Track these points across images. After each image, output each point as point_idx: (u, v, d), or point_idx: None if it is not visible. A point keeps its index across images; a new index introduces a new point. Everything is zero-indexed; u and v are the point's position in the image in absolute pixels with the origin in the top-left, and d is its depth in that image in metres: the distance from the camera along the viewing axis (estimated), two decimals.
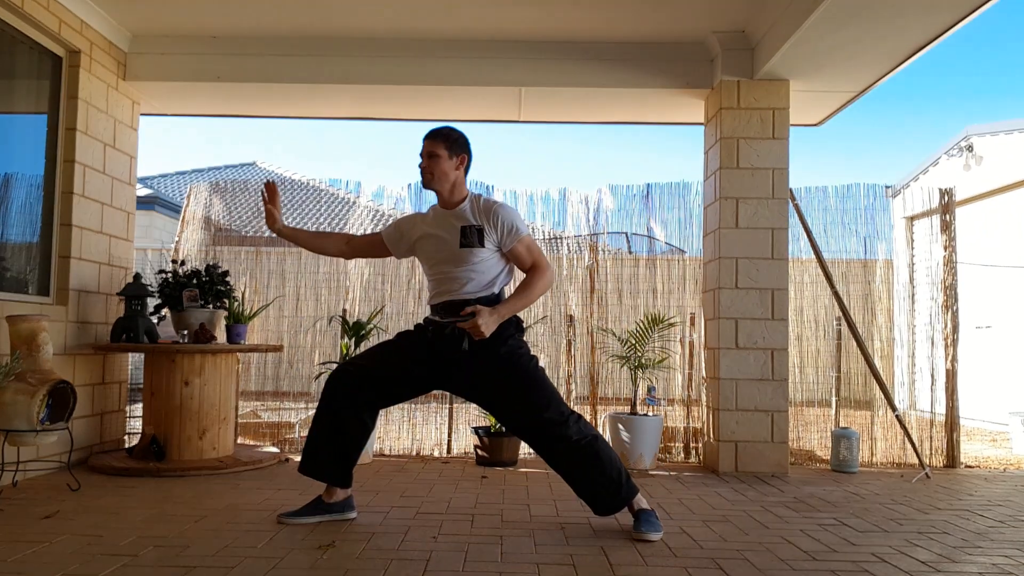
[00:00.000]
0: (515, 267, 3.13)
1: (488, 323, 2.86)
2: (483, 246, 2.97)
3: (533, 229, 6.36)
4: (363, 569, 2.48)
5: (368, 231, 5.92)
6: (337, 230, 6.07)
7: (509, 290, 3.13)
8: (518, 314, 3.03)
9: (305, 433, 5.35)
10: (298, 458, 4.75)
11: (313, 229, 12.68)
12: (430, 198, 5.69)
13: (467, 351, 2.92)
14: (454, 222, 3.01)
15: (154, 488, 3.73)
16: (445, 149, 3.00)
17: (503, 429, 4.74)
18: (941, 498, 3.85)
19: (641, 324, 4.91)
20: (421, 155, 3.04)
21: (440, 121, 5.66)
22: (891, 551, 2.80)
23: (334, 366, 4.84)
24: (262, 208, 3.25)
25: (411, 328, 3.20)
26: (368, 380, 3.04)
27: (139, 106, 5.02)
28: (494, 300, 3.01)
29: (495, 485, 4.01)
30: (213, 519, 3.11)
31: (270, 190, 3.21)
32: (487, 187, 5.63)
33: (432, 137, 3.03)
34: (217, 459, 4.36)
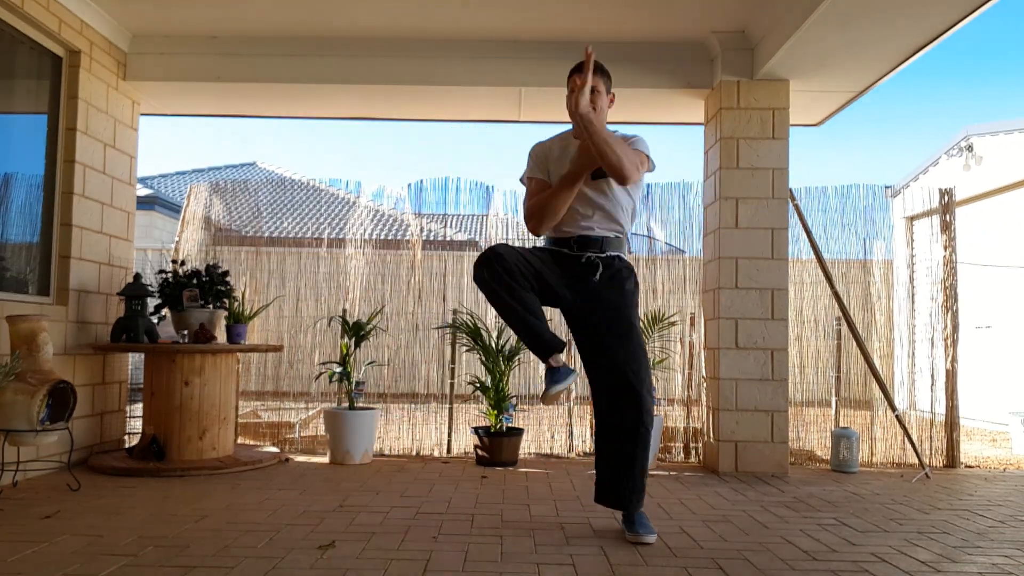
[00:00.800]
0: (636, 210, 3.16)
1: (591, 112, 2.84)
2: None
3: None
4: (363, 569, 2.48)
5: (368, 231, 5.91)
6: (338, 230, 6.07)
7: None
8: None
9: (305, 433, 5.35)
10: (298, 458, 4.76)
11: (313, 230, 12.69)
12: (429, 199, 5.71)
13: (598, 281, 2.94)
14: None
15: (154, 488, 3.73)
16: (604, 85, 3.00)
17: (504, 429, 4.74)
18: (941, 498, 3.85)
19: (640, 322, 4.90)
20: (575, 88, 2.86)
21: (440, 121, 5.70)
22: (891, 551, 2.80)
23: (335, 367, 4.85)
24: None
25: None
26: (527, 264, 2.88)
27: (139, 106, 5.02)
28: (620, 244, 3.03)
29: (495, 485, 4.01)
30: (213, 519, 3.11)
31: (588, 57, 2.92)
32: (487, 187, 5.64)
33: (595, 71, 2.93)
34: (217, 459, 4.36)
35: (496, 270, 2.79)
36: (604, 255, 2.99)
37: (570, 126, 3.10)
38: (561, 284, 2.98)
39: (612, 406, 2.95)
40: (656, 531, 2.96)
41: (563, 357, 2.95)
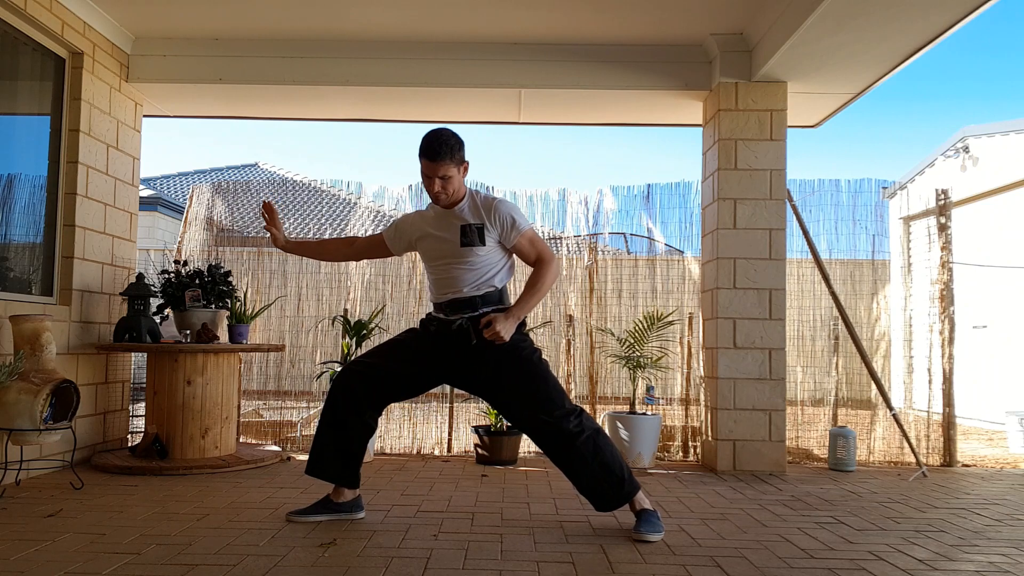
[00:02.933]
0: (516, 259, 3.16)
1: (507, 327, 2.90)
2: (483, 244, 2.98)
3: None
4: (364, 567, 2.50)
5: (369, 232, 5.94)
6: (339, 231, 6.10)
7: (510, 283, 3.19)
8: None
9: (307, 432, 5.38)
10: (300, 457, 4.79)
11: (315, 230, 12.71)
12: (427, 198, 5.73)
13: (475, 345, 2.97)
14: (454, 221, 3.01)
15: (157, 487, 3.76)
16: (455, 166, 2.91)
17: (503, 428, 4.76)
18: (938, 497, 3.87)
19: (640, 324, 4.94)
20: (430, 177, 2.91)
21: (440, 122, 5.72)
22: (888, 549, 2.83)
23: (336, 366, 4.88)
24: (263, 215, 3.25)
25: (414, 327, 3.23)
26: (373, 380, 3.06)
27: (142, 107, 5.04)
28: (497, 296, 3.04)
29: (495, 483, 4.03)
30: (215, 517, 3.14)
31: (268, 210, 3.23)
32: (487, 187, 5.66)
33: (439, 158, 2.87)
34: (219, 458, 4.39)
35: (336, 389, 3.07)
36: (476, 314, 2.99)
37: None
38: (433, 365, 3.08)
39: (539, 437, 3.01)
40: (664, 530, 2.98)
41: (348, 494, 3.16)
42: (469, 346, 2.98)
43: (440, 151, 2.87)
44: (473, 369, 3.04)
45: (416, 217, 3.21)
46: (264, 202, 3.23)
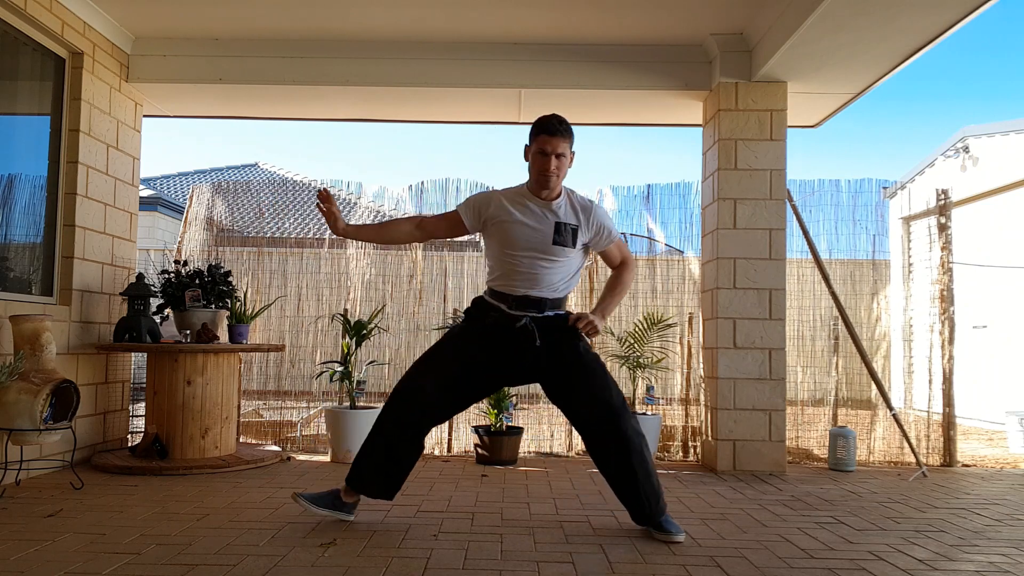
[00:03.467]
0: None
1: (601, 324, 2.95)
2: (574, 246, 2.96)
3: None
4: (364, 567, 2.50)
5: None
6: None
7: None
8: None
9: (307, 432, 5.38)
10: (300, 457, 4.79)
11: (315, 230, 12.70)
12: (429, 199, 5.73)
13: (538, 347, 2.92)
14: (549, 215, 2.94)
15: (157, 487, 3.76)
16: (569, 147, 2.92)
17: (503, 428, 4.76)
18: (938, 497, 3.87)
19: (640, 325, 4.94)
20: (546, 153, 2.87)
21: (440, 122, 5.72)
22: (888, 549, 2.83)
23: (336, 366, 4.88)
24: (319, 204, 3.09)
25: (456, 325, 3.13)
26: (427, 408, 2.97)
27: (142, 107, 5.04)
28: (562, 301, 3.03)
29: (495, 483, 4.03)
30: (215, 517, 3.14)
31: (324, 197, 3.01)
32: (487, 188, 5.66)
33: (558, 133, 2.87)
34: (219, 458, 4.39)
35: (389, 419, 2.97)
36: (541, 315, 2.96)
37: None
38: (488, 370, 3.00)
39: (602, 435, 2.97)
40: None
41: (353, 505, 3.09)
42: (532, 347, 2.92)
43: (560, 127, 2.89)
44: (539, 368, 2.97)
45: (499, 197, 3.02)
46: (320, 190, 3.02)
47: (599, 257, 3.28)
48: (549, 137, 2.88)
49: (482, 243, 3.11)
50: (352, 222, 6.06)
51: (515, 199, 3.00)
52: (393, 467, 3.00)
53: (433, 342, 5.49)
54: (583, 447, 5.28)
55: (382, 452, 2.98)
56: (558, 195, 2.99)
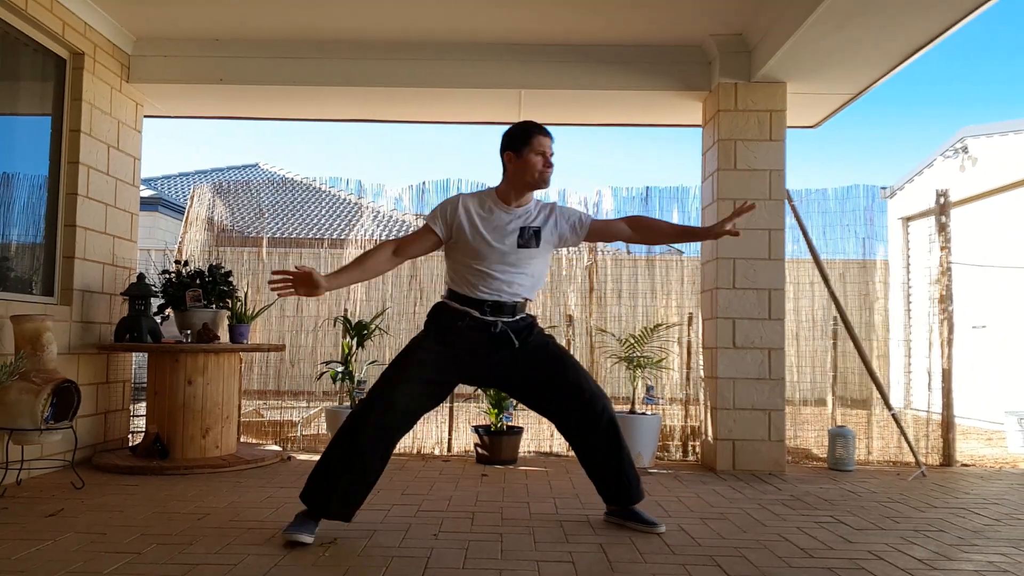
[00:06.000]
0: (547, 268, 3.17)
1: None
2: (538, 246, 2.98)
3: None
4: (364, 566, 2.51)
5: (370, 232, 5.95)
6: (338, 231, 6.09)
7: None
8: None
9: (307, 432, 5.39)
10: (301, 456, 4.80)
11: (315, 230, 12.71)
12: (430, 199, 5.74)
13: (516, 349, 2.92)
14: (516, 222, 2.97)
15: (157, 486, 3.76)
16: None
17: (504, 428, 4.77)
18: (937, 496, 3.88)
19: (640, 326, 4.95)
20: (544, 154, 2.94)
21: (440, 122, 5.73)
22: (888, 549, 2.83)
23: (337, 366, 4.89)
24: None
25: (423, 332, 3.01)
26: (404, 417, 2.87)
27: (142, 108, 5.05)
28: (526, 306, 3.03)
29: (495, 483, 4.04)
30: (216, 517, 3.14)
31: (292, 275, 2.81)
32: (487, 188, 5.67)
33: (552, 137, 2.99)
34: (220, 457, 4.39)
35: (362, 433, 2.78)
36: (513, 319, 2.95)
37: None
38: (460, 372, 2.97)
39: (580, 423, 3.01)
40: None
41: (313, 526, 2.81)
42: (508, 349, 2.92)
43: (549, 131, 2.99)
44: (510, 369, 2.97)
45: (465, 202, 2.97)
46: (292, 270, 2.82)
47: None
48: (545, 138, 2.95)
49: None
50: (352, 222, 6.06)
51: (482, 204, 2.99)
52: (363, 486, 2.83)
53: None
54: None
55: (351, 471, 2.79)
56: (529, 200, 3.03)
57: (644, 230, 3.15)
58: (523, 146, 2.95)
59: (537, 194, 3.13)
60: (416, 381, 2.86)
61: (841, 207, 5.41)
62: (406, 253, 3.02)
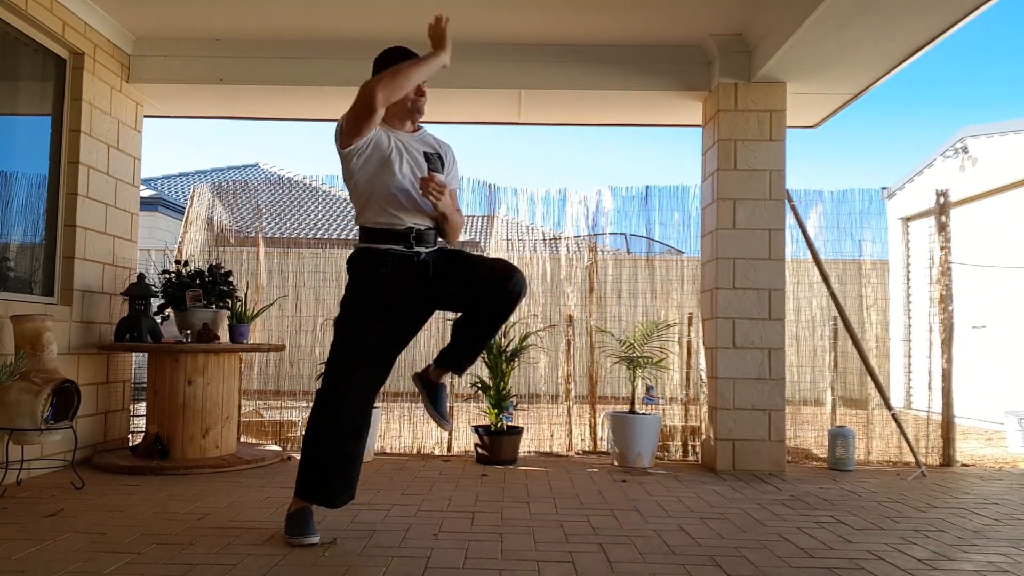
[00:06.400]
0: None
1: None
2: (442, 172, 2.93)
3: (532, 229, 6.40)
4: (364, 566, 2.51)
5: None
6: (339, 230, 6.08)
7: None
8: None
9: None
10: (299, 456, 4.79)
11: (315, 230, 12.71)
12: None
13: (432, 275, 2.84)
14: (420, 147, 2.94)
15: (157, 486, 3.76)
16: None
17: (504, 428, 4.77)
18: (937, 496, 3.88)
19: (640, 326, 4.94)
20: (420, 90, 2.95)
21: (440, 122, 5.73)
22: (888, 549, 2.83)
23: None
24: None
25: (348, 286, 2.90)
26: (373, 386, 2.86)
27: (142, 108, 5.05)
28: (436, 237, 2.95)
29: (495, 483, 4.04)
30: (216, 517, 3.14)
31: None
32: (488, 186, 5.67)
33: None
34: (220, 457, 4.39)
35: (338, 413, 2.77)
36: (433, 248, 2.89)
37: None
38: (404, 310, 2.87)
39: (493, 293, 2.78)
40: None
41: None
42: (425, 277, 2.83)
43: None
44: (428, 297, 2.88)
45: (379, 130, 2.91)
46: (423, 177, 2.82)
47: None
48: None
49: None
50: (352, 222, 6.03)
51: (387, 131, 2.91)
52: (354, 462, 2.85)
53: (434, 342, 5.54)
54: (583, 447, 5.29)
55: (341, 456, 2.80)
56: (418, 127, 3.02)
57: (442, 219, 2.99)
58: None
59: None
60: (366, 364, 2.81)
61: (840, 208, 5.41)
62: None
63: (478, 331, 2.90)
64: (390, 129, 2.95)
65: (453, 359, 2.95)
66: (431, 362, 3.03)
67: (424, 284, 2.86)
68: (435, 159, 2.96)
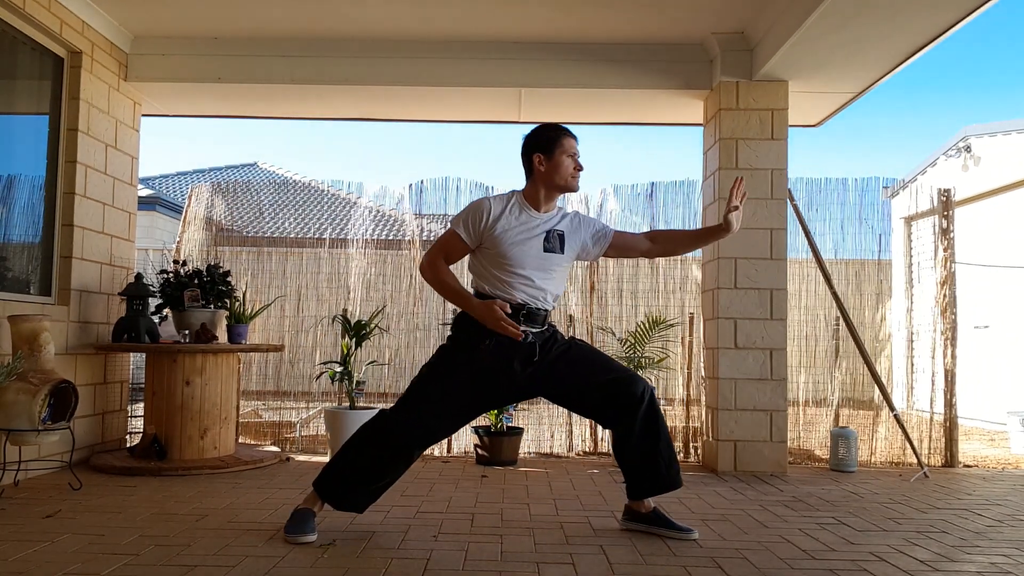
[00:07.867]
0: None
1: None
2: (563, 252, 2.91)
3: None
4: (364, 568, 2.49)
5: (369, 231, 5.92)
6: (338, 231, 6.07)
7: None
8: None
9: (306, 433, 5.36)
10: (300, 458, 4.78)
11: (315, 230, 12.69)
12: (429, 199, 5.72)
13: (536, 361, 2.83)
14: (543, 226, 2.89)
15: (155, 487, 3.75)
16: None
17: (504, 428, 4.75)
18: (939, 497, 3.86)
19: (641, 326, 4.92)
20: (573, 156, 2.90)
21: (440, 122, 5.72)
22: (890, 550, 2.81)
23: (336, 366, 4.86)
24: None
25: (447, 346, 2.92)
26: (427, 440, 2.89)
27: (140, 107, 5.03)
28: (550, 316, 2.95)
29: (495, 484, 4.02)
30: (214, 518, 3.13)
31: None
32: (488, 187, 5.65)
33: (577, 139, 2.94)
34: (218, 458, 4.37)
35: (388, 445, 2.82)
36: (543, 329, 2.87)
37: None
38: (498, 389, 2.87)
39: (623, 408, 2.85)
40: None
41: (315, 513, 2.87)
42: (531, 362, 2.82)
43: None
44: (533, 384, 2.88)
45: (491, 207, 2.85)
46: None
47: (620, 253, 3.19)
48: (574, 141, 2.92)
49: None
50: (352, 222, 6.04)
51: (511, 207, 2.88)
52: (383, 485, 2.90)
53: (434, 342, 5.52)
54: (583, 448, 5.27)
55: (370, 472, 2.84)
56: (555, 206, 2.98)
57: (664, 241, 3.14)
58: (554, 148, 2.88)
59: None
60: (446, 415, 2.86)
61: (843, 208, 5.38)
62: (451, 263, 2.96)
63: (652, 444, 2.89)
64: (523, 207, 2.91)
65: (662, 479, 2.93)
66: (629, 501, 3.05)
67: (527, 370, 2.84)
68: (554, 238, 2.89)
